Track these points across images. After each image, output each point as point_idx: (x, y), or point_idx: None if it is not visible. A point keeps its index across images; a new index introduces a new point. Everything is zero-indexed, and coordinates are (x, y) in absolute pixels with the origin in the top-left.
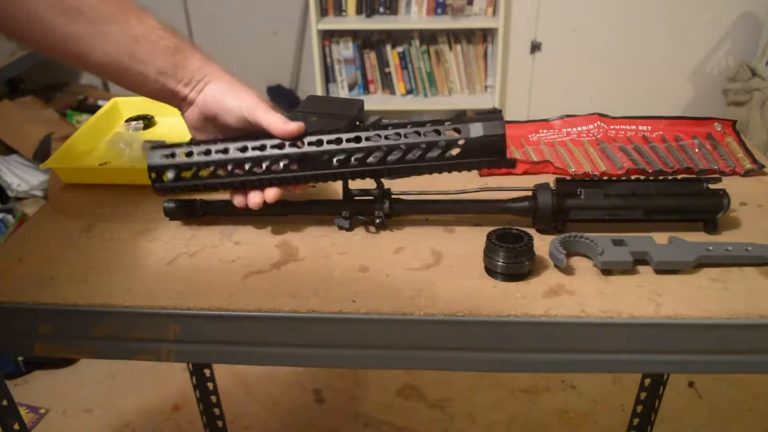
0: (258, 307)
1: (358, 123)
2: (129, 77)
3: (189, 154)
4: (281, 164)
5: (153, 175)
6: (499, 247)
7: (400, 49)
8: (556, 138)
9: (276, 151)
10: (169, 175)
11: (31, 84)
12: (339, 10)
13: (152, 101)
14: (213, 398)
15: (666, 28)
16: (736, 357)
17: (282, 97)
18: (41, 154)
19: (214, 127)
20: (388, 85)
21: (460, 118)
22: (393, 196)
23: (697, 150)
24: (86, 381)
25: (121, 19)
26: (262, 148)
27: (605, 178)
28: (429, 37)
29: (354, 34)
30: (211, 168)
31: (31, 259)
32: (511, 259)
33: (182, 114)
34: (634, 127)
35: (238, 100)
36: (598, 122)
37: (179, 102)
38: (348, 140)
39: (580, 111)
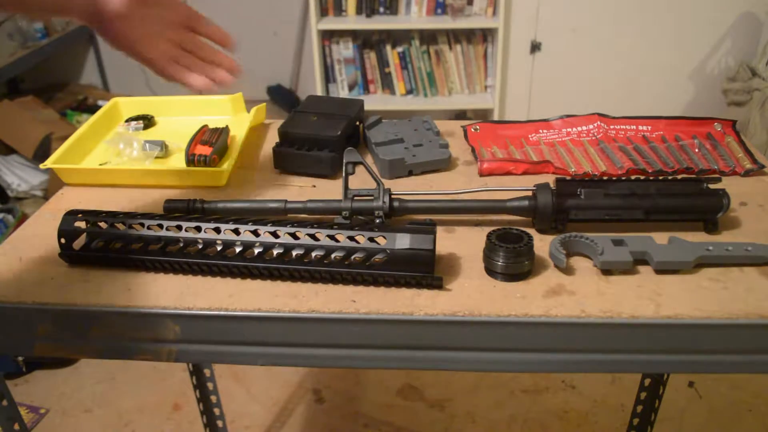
0: (258, 307)
1: (358, 123)
2: None
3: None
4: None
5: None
6: (499, 247)
7: (400, 49)
8: (556, 138)
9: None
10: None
11: (31, 84)
12: (339, 10)
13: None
14: (213, 398)
15: (666, 28)
16: (736, 357)
17: (282, 97)
18: (41, 154)
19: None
20: (388, 85)
21: (389, 227)
22: (393, 196)
23: (697, 150)
24: (86, 381)
25: None
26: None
27: (605, 178)
28: (429, 37)
29: (354, 34)
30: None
31: (31, 259)
32: (511, 259)
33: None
34: (634, 127)
35: None
36: (598, 122)
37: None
38: (266, 233)
39: (580, 111)
